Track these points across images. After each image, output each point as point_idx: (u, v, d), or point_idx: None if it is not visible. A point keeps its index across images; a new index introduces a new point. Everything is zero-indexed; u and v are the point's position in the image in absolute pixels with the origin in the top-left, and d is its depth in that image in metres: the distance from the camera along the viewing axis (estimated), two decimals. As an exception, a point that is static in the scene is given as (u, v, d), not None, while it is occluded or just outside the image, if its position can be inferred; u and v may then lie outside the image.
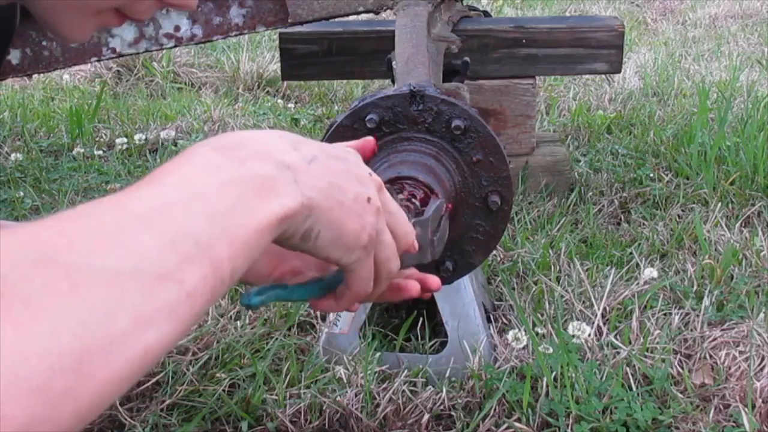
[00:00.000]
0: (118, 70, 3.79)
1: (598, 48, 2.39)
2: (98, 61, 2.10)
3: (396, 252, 0.74)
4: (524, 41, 2.36)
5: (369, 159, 0.86)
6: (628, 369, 1.51)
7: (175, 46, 2.08)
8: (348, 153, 0.72)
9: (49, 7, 0.77)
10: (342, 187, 0.67)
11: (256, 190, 0.59)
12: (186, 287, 0.51)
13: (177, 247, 0.52)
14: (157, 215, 0.53)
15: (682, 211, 2.23)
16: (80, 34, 0.80)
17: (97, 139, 2.92)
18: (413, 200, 1.06)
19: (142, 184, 0.57)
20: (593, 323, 1.64)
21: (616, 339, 1.60)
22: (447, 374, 1.51)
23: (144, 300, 0.49)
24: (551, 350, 1.52)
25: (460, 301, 1.55)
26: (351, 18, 2.15)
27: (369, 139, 0.86)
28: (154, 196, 0.55)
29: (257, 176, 0.60)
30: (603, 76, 3.51)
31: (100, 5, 0.77)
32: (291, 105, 3.44)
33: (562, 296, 1.76)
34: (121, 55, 2.07)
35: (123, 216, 0.52)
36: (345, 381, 1.49)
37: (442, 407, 1.45)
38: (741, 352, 1.56)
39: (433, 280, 0.83)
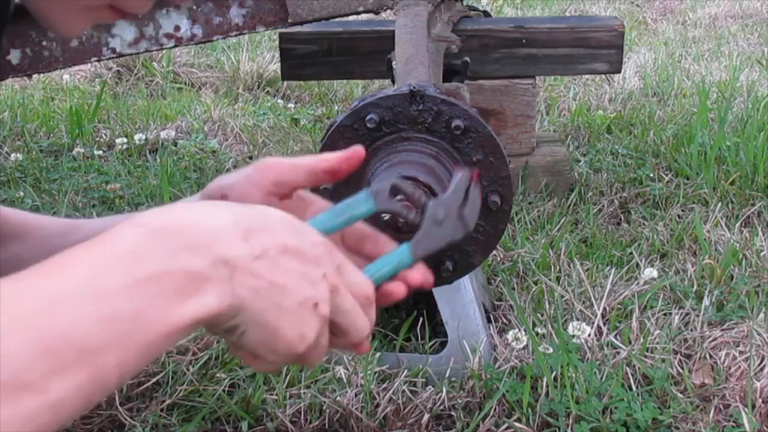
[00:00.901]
0: (118, 70, 3.79)
1: (598, 48, 2.39)
2: (98, 61, 2.10)
3: (331, 349, 0.68)
4: (524, 41, 2.36)
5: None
6: (628, 369, 1.51)
7: (175, 46, 2.08)
8: (312, 246, 0.64)
9: (42, 2, 0.77)
10: (286, 289, 0.61)
11: (178, 288, 0.55)
12: (50, 397, 0.48)
13: (51, 355, 0.48)
14: (41, 314, 0.49)
15: (682, 211, 2.23)
16: (74, 30, 0.79)
17: (97, 139, 2.92)
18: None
19: (45, 269, 0.52)
20: (593, 323, 1.64)
21: (616, 339, 1.60)
22: (447, 374, 1.51)
23: None
24: (551, 350, 1.52)
25: (460, 301, 1.55)
26: (351, 18, 2.15)
27: (357, 149, 0.78)
28: (49, 289, 0.51)
29: (184, 272, 0.55)
30: (603, 76, 3.51)
31: (93, 1, 0.77)
32: (291, 105, 3.44)
33: (562, 296, 1.76)
34: (121, 55, 2.07)
35: (1, 314, 0.48)
36: (345, 381, 1.49)
37: (442, 407, 1.45)
38: (741, 352, 1.56)
39: (413, 276, 0.75)
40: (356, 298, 0.67)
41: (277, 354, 0.63)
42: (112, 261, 0.54)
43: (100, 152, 2.78)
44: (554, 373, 1.46)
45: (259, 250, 0.60)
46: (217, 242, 0.58)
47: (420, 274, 0.75)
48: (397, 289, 0.73)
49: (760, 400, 1.44)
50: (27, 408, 0.47)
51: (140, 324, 0.53)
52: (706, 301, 1.71)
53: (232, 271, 0.58)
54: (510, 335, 1.59)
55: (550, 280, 1.81)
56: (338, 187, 1.22)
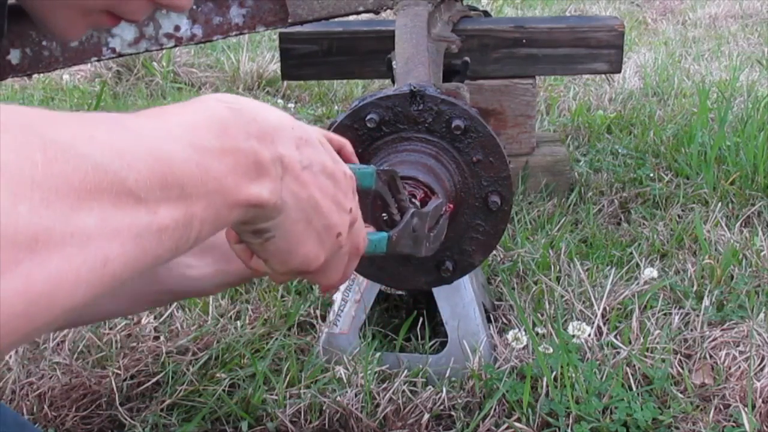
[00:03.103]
0: (118, 70, 3.79)
1: (598, 48, 2.39)
2: (98, 61, 2.10)
3: (340, 281, 0.72)
4: (524, 41, 2.36)
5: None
6: (628, 369, 1.51)
7: (175, 46, 2.08)
8: (344, 176, 0.68)
9: (38, 5, 0.77)
10: (320, 208, 0.64)
11: (247, 169, 0.57)
12: (158, 220, 0.49)
13: (163, 181, 0.50)
14: (154, 143, 0.51)
15: (682, 211, 2.23)
16: (72, 33, 0.80)
17: (97, 139, 2.91)
18: (413, 200, 1.06)
19: (146, 114, 0.54)
20: (593, 323, 1.64)
21: (616, 339, 1.60)
22: (447, 374, 1.51)
23: (115, 211, 0.46)
24: (551, 350, 1.52)
25: (460, 301, 1.55)
26: (351, 18, 2.15)
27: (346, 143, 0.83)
28: (156, 127, 0.53)
29: (253, 157, 0.58)
30: (603, 76, 3.51)
31: (89, 5, 0.77)
32: (291, 105, 3.44)
33: (562, 296, 1.76)
34: (121, 55, 2.07)
35: (119, 129, 0.49)
36: (345, 381, 1.49)
37: (442, 407, 1.45)
38: (741, 352, 1.56)
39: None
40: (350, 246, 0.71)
41: (287, 267, 0.66)
42: (205, 123, 0.56)
43: (100, 152, 2.78)
44: (554, 373, 1.46)
45: (307, 161, 0.63)
46: (279, 140, 0.61)
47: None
48: None
49: (760, 400, 1.44)
50: (140, 221, 0.48)
51: (221, 186, 0.55)
52: (706, 301, 1.71)
53: (284, 171, 0.61)
54: (510, 335, 1.59)
55: (550, 280, 1.81)
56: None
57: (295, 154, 0.62)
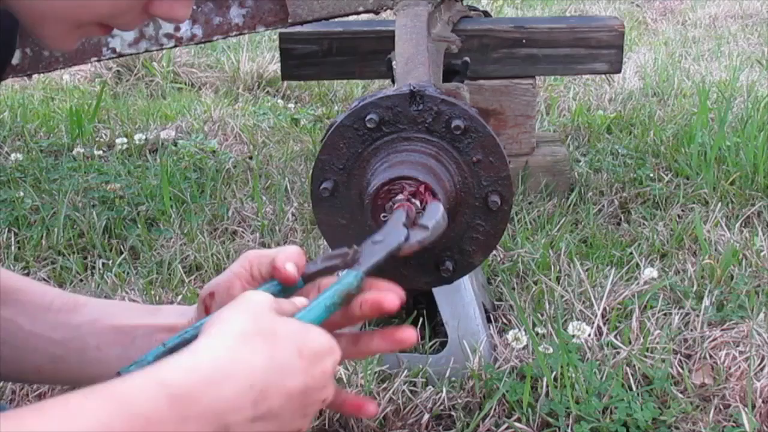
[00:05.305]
0: (118, 70, 3.79)
1: (598, 48, 2.39)
2: (98, 61, 2.10)
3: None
4: (524, 41, 2.36)
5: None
6: (628, 369, 1.51)
7: (175, 46, 2.08)
8: (316, 376, 0.68)
9: (30, 16, 0.76)
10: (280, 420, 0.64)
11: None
12: None
13: None
14: None
15: (682, 211, 2.23)
16: (63, 44, 0.78)
17: (97, 139, 2.91)
18: (413, 200, 1.06)
19: (60, 411, 0.56)
20: (593, 323, 1.64)
21: (616, 339, 1.60)
22: (447, 374, 1.51)
23: None
24: (551, 350, 1.52)
25: (460, 301, 1.55)
26: (351, 18, 2.15)
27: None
28: None
29: None
30: (603, 76, 3.51)
31: (81, 18, 0.76)
32: (291, 105, 3.44)
33: (562, 296, 1.76)
34: (121, 55, 2.07)
35: None
36: (345, 381, 1.49)
37: (442, 407, 1.45)
38: (741, 352, 1.56)
39: (389, 300, 0.80)
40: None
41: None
42: (123, 419, 0.56)
43: (100, 152, 2.78)
44: (554, 373, 1.46)
45: (261, 412, 0.63)
46: (228, 413, 0.61)
47: (394, 296, 0.79)
48: (369, 407, 0.79)
49: (760, 400, 1.44)
50: None
51: None
52: (706, 301, 1.71)
53: (226, 428, 0.61)
54: (510, 335, 1.59)
55: (550, 280, 1.81)
56: (338, 186, 1.22)
57: (247, 413, 0.63)
